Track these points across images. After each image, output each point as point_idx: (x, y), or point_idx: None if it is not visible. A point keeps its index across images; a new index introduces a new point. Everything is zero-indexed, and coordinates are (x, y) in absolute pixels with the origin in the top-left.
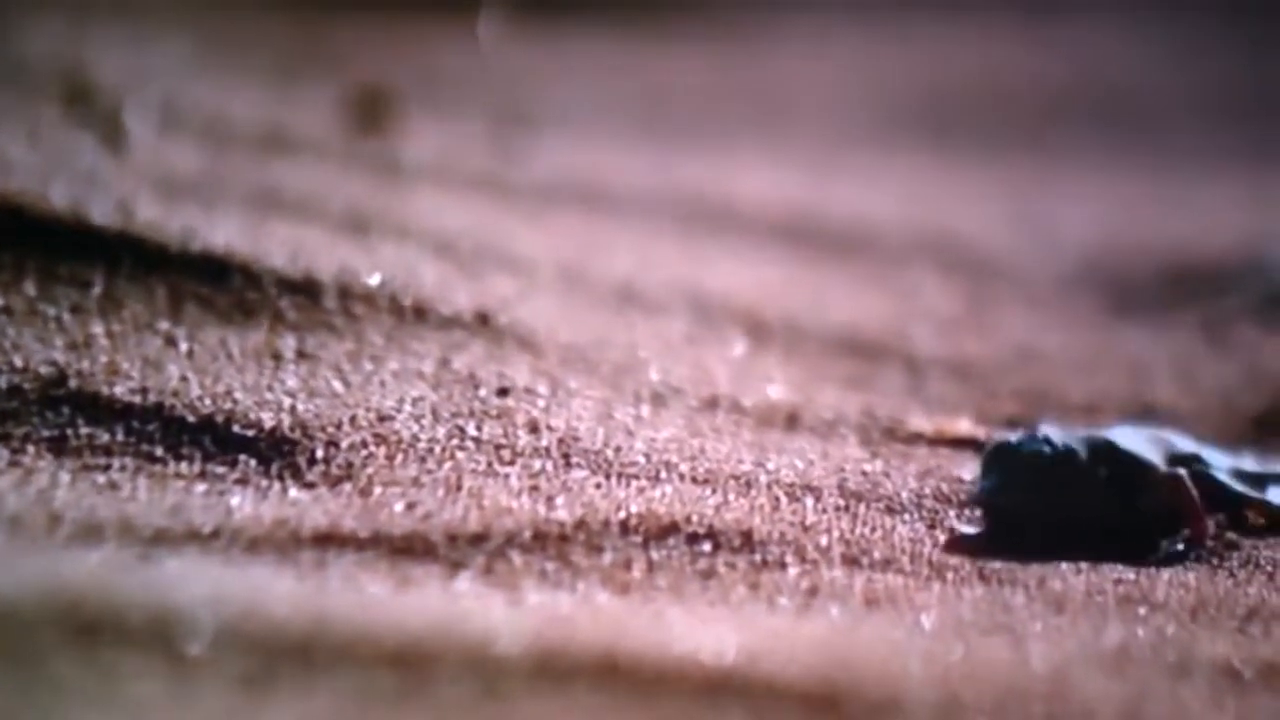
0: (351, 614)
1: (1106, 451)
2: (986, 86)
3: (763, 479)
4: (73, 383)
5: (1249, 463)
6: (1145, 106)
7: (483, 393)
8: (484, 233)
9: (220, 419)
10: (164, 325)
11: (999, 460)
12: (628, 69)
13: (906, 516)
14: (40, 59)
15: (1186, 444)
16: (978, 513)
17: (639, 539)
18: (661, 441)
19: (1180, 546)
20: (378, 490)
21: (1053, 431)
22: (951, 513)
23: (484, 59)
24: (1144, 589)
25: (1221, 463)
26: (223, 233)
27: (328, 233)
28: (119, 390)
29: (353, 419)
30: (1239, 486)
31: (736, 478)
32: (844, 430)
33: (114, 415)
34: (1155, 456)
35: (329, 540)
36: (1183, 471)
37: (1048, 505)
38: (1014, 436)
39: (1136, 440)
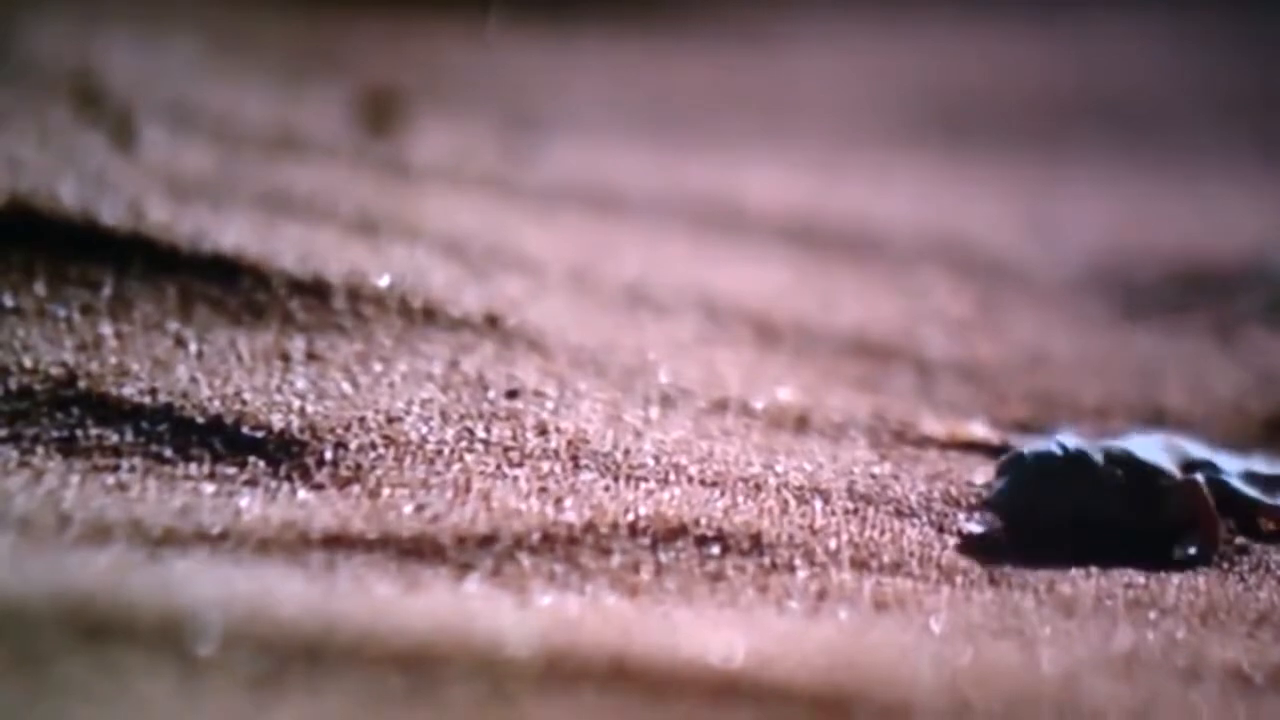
0: (360, 615)
1: (1121, 457)
2: (996, 88)
3: (772, 481)
4: (82, 383)
5: (1260, 465)
6: (1155, 108)
7: (491, 395)
8: (493, 234)
9: (229, 420)
10: (173, 326)
11: (1013, 465)
12: (637, 70)
13: (916, 520)
14: (50, 60)
15: (1199, 450)
16: (991, 517)
17: (648, 541)
18: (670, 444)
19: (1192, 551)
20: (386, 492)
21: (1068, 438)
22: (961, 516)
23: (493, 60)
24: (1154, 593)
25: (1233, 467)
26: (232, 234)
27: (337, 234)
28: (128, 391)
29: (362, 421)
30: (1252, 491)
31: (745, 480)
32: (853, 433)
33: (123, 416)
34: (1169, 463)
35: (338, 542)
36: (1199, 477)
37: (1059, 508)
38: (1029, 444)
39: (1150, 447)
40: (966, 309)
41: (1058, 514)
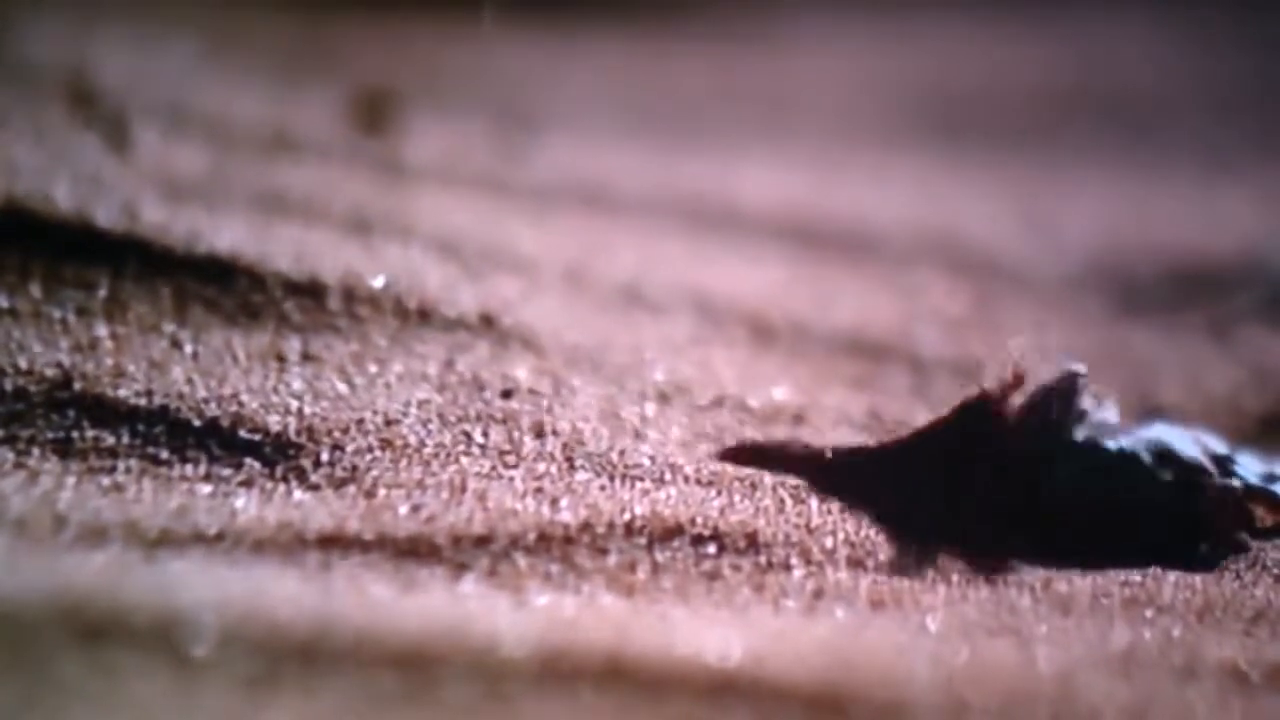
0: (356, 616)
1: (1169, 455)
2: (993, 86)
3: (768, 480)
4: (78, 385)
5: (1255, 461)
6: (1153, 106)
7: (487, 395)
8: (488, 233)
9: (225, 421)
10: (169, 327)
11: (1065, 453)
12: (632, 68)
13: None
14: (45, 60)
15: (1219, 445)
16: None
17: (644, 541)
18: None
19: (1203, 550)
20: (382, 493)
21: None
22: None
23: (487, 59)
24: (1150, 591)
25: (1252, 465)
26: (227, 235)
27: (332, 234)
28: (124, 392)
29: (358, 421)
30: (1260, 483)
31: (741, 479)
32: (849, 431)
33: (119, 417)
34: (1205, 459)
35: (334, 542)
36: (1238, 484)
37: (1108, 502)
38: (1080, 434)
39: (1184, 442)
40: (962, 307)
41: (1101, 508)
